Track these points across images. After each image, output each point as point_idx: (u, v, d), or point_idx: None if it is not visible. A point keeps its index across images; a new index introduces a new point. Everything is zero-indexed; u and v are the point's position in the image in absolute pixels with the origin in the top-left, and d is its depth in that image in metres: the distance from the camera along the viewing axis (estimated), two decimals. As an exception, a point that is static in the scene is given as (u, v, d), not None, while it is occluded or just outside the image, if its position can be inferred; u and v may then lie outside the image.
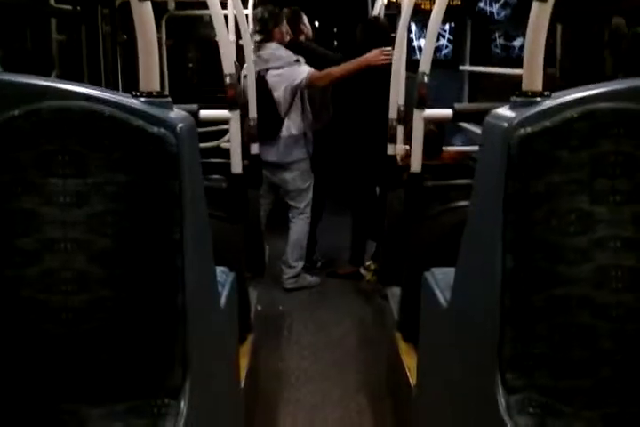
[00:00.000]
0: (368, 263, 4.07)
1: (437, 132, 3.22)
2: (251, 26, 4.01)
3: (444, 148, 3.41)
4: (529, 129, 1.22)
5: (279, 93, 3.82)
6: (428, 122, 2.56)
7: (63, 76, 3.73)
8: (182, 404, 1.27)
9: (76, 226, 1.25)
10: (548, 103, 1.27)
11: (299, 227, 4.07)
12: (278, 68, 3.82)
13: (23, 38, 3.26)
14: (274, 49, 3.85)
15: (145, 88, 1.34)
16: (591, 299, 1.23)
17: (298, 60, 3.88)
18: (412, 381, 2.14)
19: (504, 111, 1.32)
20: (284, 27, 3.97)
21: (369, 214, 4.04)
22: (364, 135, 3.87)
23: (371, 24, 3.98)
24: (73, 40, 3.64)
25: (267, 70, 3.82)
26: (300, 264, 4.07)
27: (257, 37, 3.87)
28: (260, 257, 3.40)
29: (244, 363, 2.24)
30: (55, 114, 1.24)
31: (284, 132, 3.87)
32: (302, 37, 4.24)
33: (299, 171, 3.97)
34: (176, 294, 1.28)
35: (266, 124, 3.81)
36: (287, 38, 4.01)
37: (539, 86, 1.31)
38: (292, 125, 3.88)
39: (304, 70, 3.82)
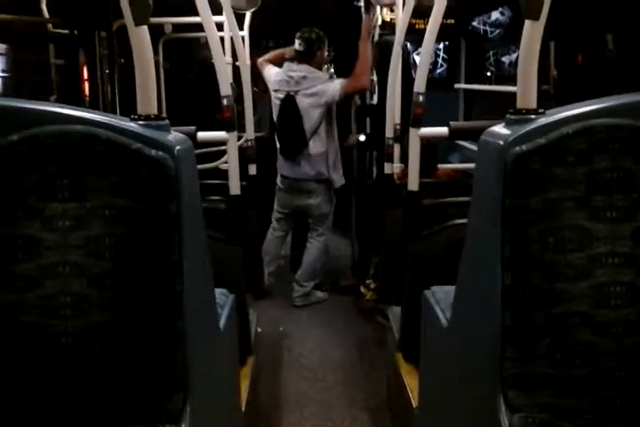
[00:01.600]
0: (368, 282, 4.06)
1: (429, 149, 3.22)
2: (247, 47, 4.05)
3: (440, 165, 3.42)
4: (524, 147, 1.22)
5: (309, 116, 3.83)
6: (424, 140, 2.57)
7: (62, 101, 3.76)
8: None
9: (75, 250, 1.25)
10: (543, 120, 1.28)
11: (316, 249, 4.10)
12: (310, 87, 3.82)
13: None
14: (307, 72, 3.85)
15: (143, 111, 1.35)
16: (591, 316, 1.23)
17: (331, 77, 3.93)
18: (414, 401, 2.12)
19: (499, 129, 1.33)
20: (325, 52, 3.98)
21: (374, 228, 4.06)
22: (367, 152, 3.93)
23: (384, 44, 4.01)
24: (71, 64, 3.67)
25: (297, 92, 3.84)
26: (311, 284, 4.09)
27: (291, 56, 3.91)
28: (258, 278, 3.39)
29: (244, 385, 2.22)
30: (54, 138, 1.25)
31: (311, 150, 3.88)
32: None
33: (323, 195, 3.99)
34: (175, 317, 1.27)
35: (290, 144, 3.90)
36: (324, 65, 4.05)
37: (533, 104, 1.32)
38: (317, 143, 3.90)
39: (337, 83, 3.83)
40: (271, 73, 4.00)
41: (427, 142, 3.07)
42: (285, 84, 3.88)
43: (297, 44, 3.87)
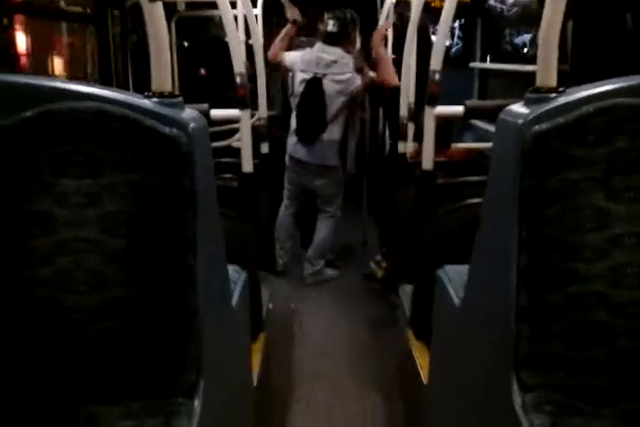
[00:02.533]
0: (379, 259, 4.06)
1: (445, 125, 3.19)
2: (260, 26, 4.01)
3: (453, 144, 3.39)
4: (543, 126, 1.21)
5: (333, 102, 3.76)
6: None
7: (74, 78, 3.76)
8: (196, 403, 1.27)
9: (89, 226, 1.25)
10: (563, 99, 1.26)
11: (326, 228, 4.12)
12: (339, 74, 3.75)
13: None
14: (339, 56, 3.76)
15: (157, 88, 1.34)
16: (607, 296, 1.22)
17: (363, 67, 3.80)
18: (425, 379, 2.13)
19: (518, 108, 1.31)
20: (357, 34, 3.91)
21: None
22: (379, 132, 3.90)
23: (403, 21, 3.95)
24: (84, 42, 3.66)
25: (324, 75, 3.75)
26: (322, 262, 4.14)
27: (324, 35, 3.82)
28: (270, 255, 3.41)
29: (256, 361, 2.24)
30: (68, 115, 1.25)
31: (326, 136, 3.83)
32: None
33: (331, 178, 3.98)
34: (189, 292, 1.28)
35: (308, 128, 3.83)
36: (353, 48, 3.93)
37: (553, 82, 1.30)
38: (334, 130, 3.84)
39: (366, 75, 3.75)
40: (293, 55, 3.89)
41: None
42: (314, 66, 3.77)
43: (330, 25, 3.76)
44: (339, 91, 3.74)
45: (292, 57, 3.89)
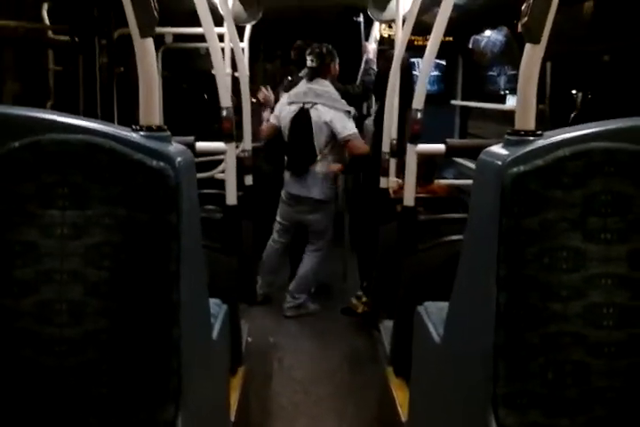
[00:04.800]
0: (360, 295, 4.05)
1: (429, 160, 3.23)
2: (246, 59, 4.07)
3: (436, 180, 3.44)
4: (522, 168, 1.24)
5: (320, 133, 3.80)
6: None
7: (58, 107, 3.76)
8: None
9: (73, 258, 1.25)
10: (541, 142, 1.29)
11: (311, 262, 4.09)
12: (327, 106, 3.79)
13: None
14: (326, 86, 3.84)
15: (145, 122, 1.36)
16: (584, 336, 1.24)
17: (349, 112, 3.86)
18: (404, 416, 2.12)
19: (497, 149, 1.35)
20: (337, 65, 4.00)
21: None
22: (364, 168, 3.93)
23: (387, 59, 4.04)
24: (69, 71, 3.68)
25: (313, 104, 3.80)
26: (303, 297, 4.09)
27: (306, 72, 3.93)
28: (251, 288, 3.39)
29: (234, 396, 2.22)
30: (55, 147, 1.25)
31: (318, 169, 3.85)
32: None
33: (323, 212, 3.98)
34: (171, 327, 1.27)
35: (299, 159, 3.86)
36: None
37: (531, 125, 1.34)
38: (325, 162, 3.87)
39: (350, 128, 3.79)
40: (280, 103, 4.02)
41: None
42: (302, 96, 3.83)
43: (309, 61, 3.86)
44: (324, 125, 3.78)
45: (276, 110, 4.00)
